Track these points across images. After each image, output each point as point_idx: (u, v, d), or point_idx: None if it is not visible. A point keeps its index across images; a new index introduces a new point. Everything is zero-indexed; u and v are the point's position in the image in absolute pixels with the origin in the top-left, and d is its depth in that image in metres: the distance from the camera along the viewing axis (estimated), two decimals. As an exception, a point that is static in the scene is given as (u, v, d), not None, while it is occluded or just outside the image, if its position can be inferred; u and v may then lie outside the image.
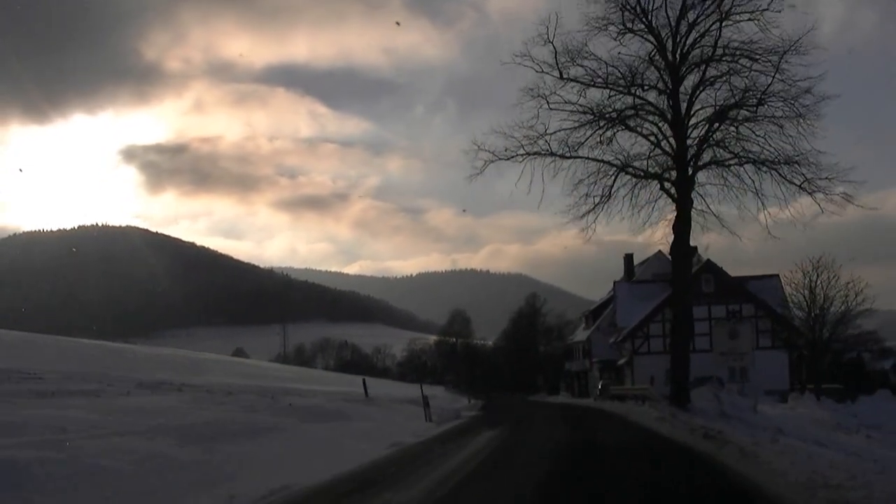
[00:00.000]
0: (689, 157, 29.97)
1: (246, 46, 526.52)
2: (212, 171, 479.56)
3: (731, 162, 29.84)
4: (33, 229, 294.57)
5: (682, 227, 30.13)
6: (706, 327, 59.52)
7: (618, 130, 30.79)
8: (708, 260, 60.97)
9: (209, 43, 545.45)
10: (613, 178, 31.26)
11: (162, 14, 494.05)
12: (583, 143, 30.53)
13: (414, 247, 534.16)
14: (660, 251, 72.83)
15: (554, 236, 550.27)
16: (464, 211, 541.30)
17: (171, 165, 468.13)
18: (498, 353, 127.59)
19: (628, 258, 71.98)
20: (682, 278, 33.20)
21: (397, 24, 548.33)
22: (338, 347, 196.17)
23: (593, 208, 31.28)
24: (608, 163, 31.25)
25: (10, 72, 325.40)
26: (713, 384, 45.80)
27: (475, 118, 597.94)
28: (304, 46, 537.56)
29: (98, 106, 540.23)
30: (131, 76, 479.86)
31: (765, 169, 28.87)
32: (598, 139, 30.34)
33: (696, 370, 41.41)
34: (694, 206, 30.42)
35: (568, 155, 30.69)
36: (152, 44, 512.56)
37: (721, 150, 30.05)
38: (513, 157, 30.78)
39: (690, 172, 30.02)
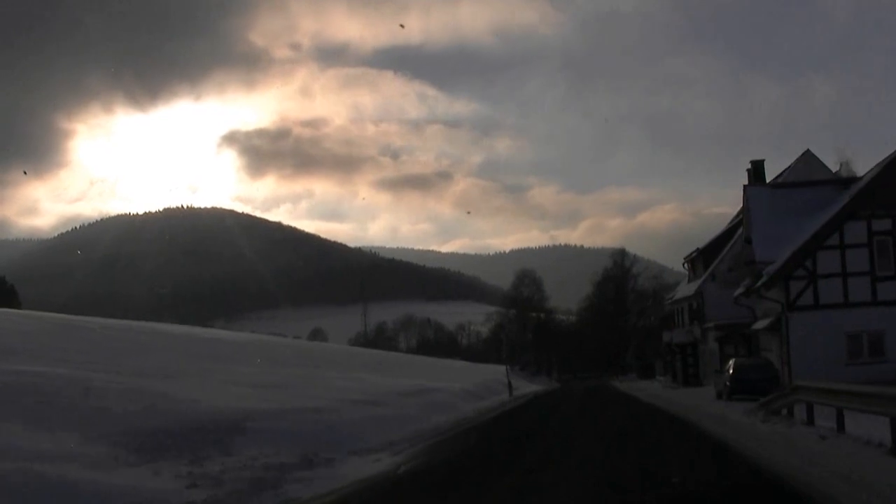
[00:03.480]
0: None
1: (356, 31, 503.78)
2: (314, 154, 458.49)
3: None
4: (122, 212, 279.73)
5: None
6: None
7: None
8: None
9: (319, 29, 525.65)
10: None
11: (272, 1, 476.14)
12: None
13: (515, 224, 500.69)
14: (808, 151, 43.61)
15: (657, 210, 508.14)
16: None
17: (273, 149, 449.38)
18: (581, 325, 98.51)
19: (757, 165, 42.21)
20: None
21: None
22: (420, 326, 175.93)
23: None
24: None
25: (118, 57, 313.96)
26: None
27: (587, 95, 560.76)
28: (416, 29, 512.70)
29: (203, 92, 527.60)
30: (239, 63, 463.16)
31: None
32: None
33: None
34: None
35: None
36: (261, 31, 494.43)
37: None
38: None
39: None
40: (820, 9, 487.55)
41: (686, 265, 49.69)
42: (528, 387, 64.45)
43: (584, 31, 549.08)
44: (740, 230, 43.50)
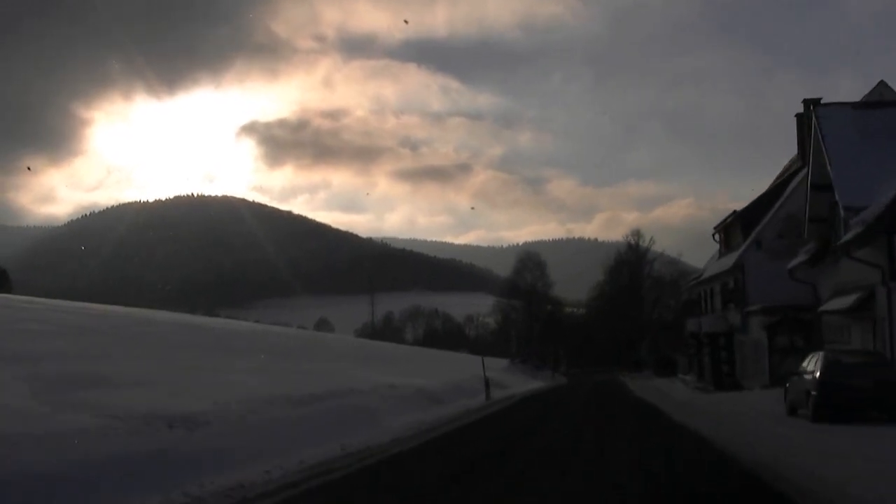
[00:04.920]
0: None
1: (381, 23, 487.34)
2: (333, 144, 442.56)
3: None
4: (132, 201, 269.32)
5: None
6: None
7: None
8: None
9: (343, 20, 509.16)
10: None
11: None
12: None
13: (532, 217, 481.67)
14: (882, 82, 32.47)
15: (672, 204, 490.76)
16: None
17: (292, 139, 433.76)
18: (591, 316, 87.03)
19: (811, 104, 31.11)
20: None
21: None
22: (428, 317, 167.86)
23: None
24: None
25: (138, 45, 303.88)
26: None
27: (611, 88, 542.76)
28: (442, 22, 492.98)
29: (224, 81, 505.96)
30: (261, 53, 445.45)
31: None
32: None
33: None
34: None
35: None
36: (285, 21, 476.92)
37: None
38: None
39: None
40: (843, 5, 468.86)
41: (717, 236, 38.21)
42: (526, 384, 53.35)
43: (610, 23, 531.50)
44: (794, 185, 32.31)
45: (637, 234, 77.34)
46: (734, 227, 35.03)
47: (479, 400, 29.58)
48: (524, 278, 79.82)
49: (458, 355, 78.27)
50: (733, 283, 33.34)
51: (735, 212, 34.54)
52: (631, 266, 77.78)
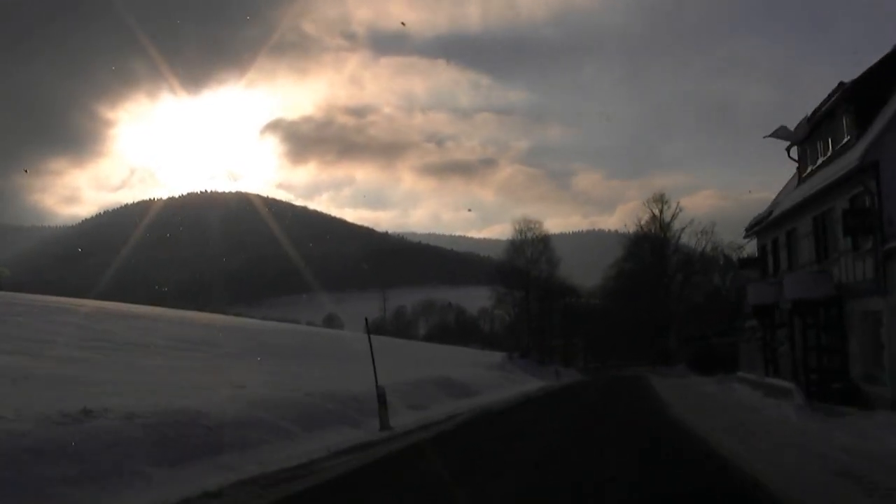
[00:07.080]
0: None
1: (413, 20, 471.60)
2: (359, 141, 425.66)
3: None
4: (143, 199, 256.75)
5: None
6: None
7: None
8: None
9: (374, 17, 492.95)
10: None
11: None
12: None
13: (557, 210, 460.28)
14: None
15: (697, 195, 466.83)
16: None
17: (317, 137, 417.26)
18: (608, 299, 70.84)
19: None
20: None
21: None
22: (441, 311, 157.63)
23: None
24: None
25: (165, 46, 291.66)
26: None
27: (644, 80, 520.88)
28: (475, 19, 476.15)
29: (251, 80, 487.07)
30: (290, 51, 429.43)
31: None
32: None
33: None
34: None
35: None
36: (315, 19, 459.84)
37: None
38: None
39: None
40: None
41: (805, 123, 21.10)
42: (515, 386, 37.71)
43: (642, 15, 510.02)
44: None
45: (661, 199, 60.61)
46: (837, 114, 18.78)
47: (358, 434, 14.19)
48: (524, 253, 64.22)
49: (448, 349, 63.47)
50: (849, 205, 17.19)
51: (842, 84, 18.34)
52: (654, 240, 61.63)
